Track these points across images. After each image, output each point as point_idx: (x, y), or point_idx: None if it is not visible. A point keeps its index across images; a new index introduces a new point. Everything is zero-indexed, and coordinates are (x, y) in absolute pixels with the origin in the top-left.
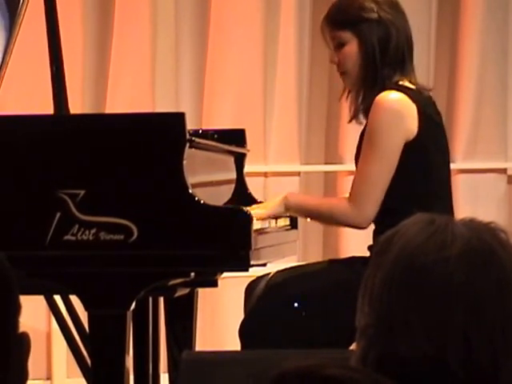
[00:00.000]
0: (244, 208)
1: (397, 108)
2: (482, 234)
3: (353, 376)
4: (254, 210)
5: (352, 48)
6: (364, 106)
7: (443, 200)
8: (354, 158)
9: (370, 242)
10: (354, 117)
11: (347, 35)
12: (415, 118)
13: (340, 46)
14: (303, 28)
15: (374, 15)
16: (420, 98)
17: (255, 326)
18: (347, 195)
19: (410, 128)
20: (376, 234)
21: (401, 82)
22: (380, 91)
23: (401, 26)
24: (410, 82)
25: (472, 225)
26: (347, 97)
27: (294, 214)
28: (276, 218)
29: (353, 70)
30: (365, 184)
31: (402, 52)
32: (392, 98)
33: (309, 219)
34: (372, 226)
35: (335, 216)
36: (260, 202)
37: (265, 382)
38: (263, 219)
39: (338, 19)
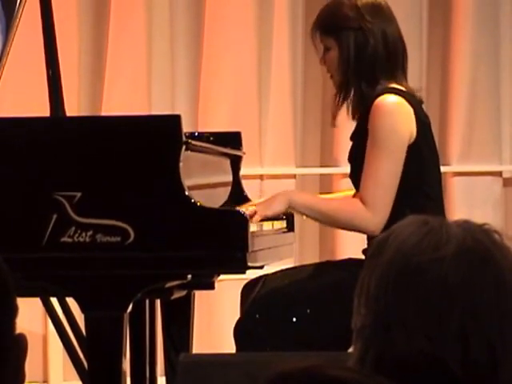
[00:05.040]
0: (241, 209)
1: (398, 111)
2: (476, 234)
3: (356, 378)
4: (253, 208)
5: (334, 54)
6: (351, 108)
7: (435, 201)
8: (347, 159)
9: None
10: (333, 118)
11: (331, 41)
12: (413, 121)
13: (326, 50)
14: (296, 31)
15: (355, 24)
16: (414, 101)
17: (250, 327)
18: (348, 192)
19: (411, 131)
20: (370, 237)
21: (392, 85)
22: (364, 96)
23: (381, 34)
24: (401, 85)
25: (466, 225)
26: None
27: (295, 212)
28: (273, 220)
29: (335, 75)
30: (380, 188)
31: (383, 58)
32: (392, 102)
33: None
34: None
35: (355, 223)
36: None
37: (261, 382)
38: (263, 220)
39: (324, 25)
